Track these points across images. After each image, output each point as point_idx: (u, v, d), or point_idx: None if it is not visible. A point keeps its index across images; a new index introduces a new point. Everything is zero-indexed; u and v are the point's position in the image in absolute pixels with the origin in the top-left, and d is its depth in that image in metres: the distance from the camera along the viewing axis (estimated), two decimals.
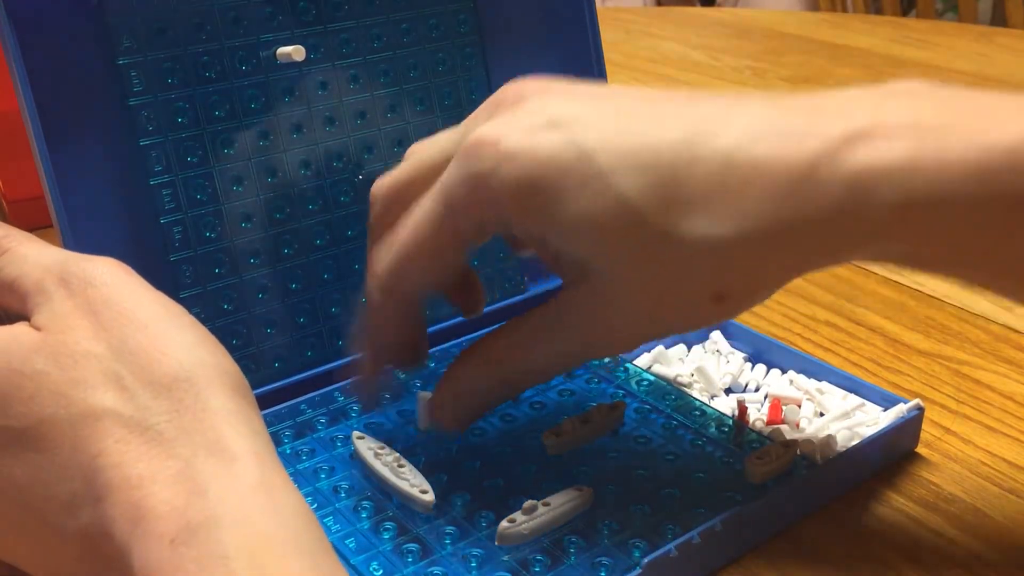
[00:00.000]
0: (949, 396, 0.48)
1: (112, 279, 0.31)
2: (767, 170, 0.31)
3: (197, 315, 0.32)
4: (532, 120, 0.34)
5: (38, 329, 0.30)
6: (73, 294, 0.30)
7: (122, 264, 0.32)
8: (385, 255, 0.37)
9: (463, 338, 0.50)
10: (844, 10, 2.00)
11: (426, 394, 0.43)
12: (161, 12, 0.41)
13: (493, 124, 0.35)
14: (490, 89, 0.51)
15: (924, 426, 0.44)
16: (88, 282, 0.31)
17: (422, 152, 0.38)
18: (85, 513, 0.28)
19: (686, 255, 0.33)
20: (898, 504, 0.41)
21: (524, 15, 0.53)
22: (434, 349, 0.49)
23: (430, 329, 0.49)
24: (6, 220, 0.68)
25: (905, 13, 2.06)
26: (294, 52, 0.43)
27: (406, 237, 0.37)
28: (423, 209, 0.36)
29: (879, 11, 1.99)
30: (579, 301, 0.36)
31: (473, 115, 0.38)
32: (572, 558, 0.36)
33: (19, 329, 0.30)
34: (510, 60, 0.52)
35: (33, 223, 0.35)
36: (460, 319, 0.50)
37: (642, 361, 0.48)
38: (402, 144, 0.48)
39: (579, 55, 0.54)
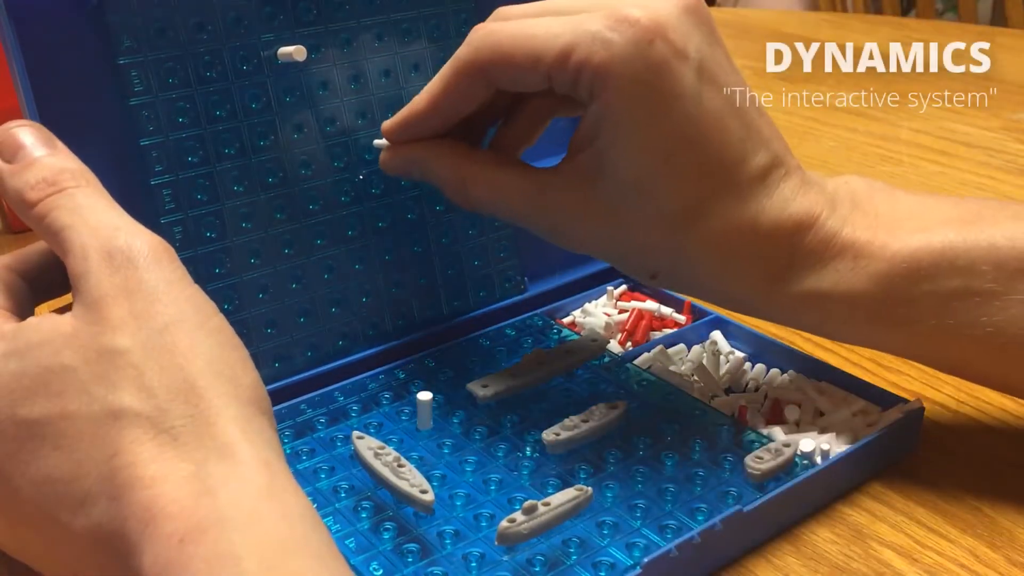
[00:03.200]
0: (949, 396, 0.48)
1: (154, 263, 0.31)
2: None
3: None
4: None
5: (74, 317, 0.30)
6: (114, 272, 0.31)
7: (167, 247, 0.32)
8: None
9: (462, 338, 0.50)
10: (844, 10, 2.00)
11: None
12: (161, 12, 0.41)
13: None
14: None
15: (924, 426, 0.44)
16: (131, 261, 0.31)
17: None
18: (96, 511, 0.28)
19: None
20: (898, 504, 0.41)
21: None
22: (432, 350, 0.49)
23: (426, 331, 0.49)
24: (5, 220, 0.68)
25: (905, 13, 2.06)
26: (295, 52, 0.43)
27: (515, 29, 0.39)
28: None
29: (879, 11, 1.99)
30: (578, 166, 0.40)
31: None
32: (572, 558, 0.36)
33: (57, 321, 0.31)
34: None
35: None
36: (454, 322, 0.50)
37: (642, 361, 0.48)
38: None
39: None
